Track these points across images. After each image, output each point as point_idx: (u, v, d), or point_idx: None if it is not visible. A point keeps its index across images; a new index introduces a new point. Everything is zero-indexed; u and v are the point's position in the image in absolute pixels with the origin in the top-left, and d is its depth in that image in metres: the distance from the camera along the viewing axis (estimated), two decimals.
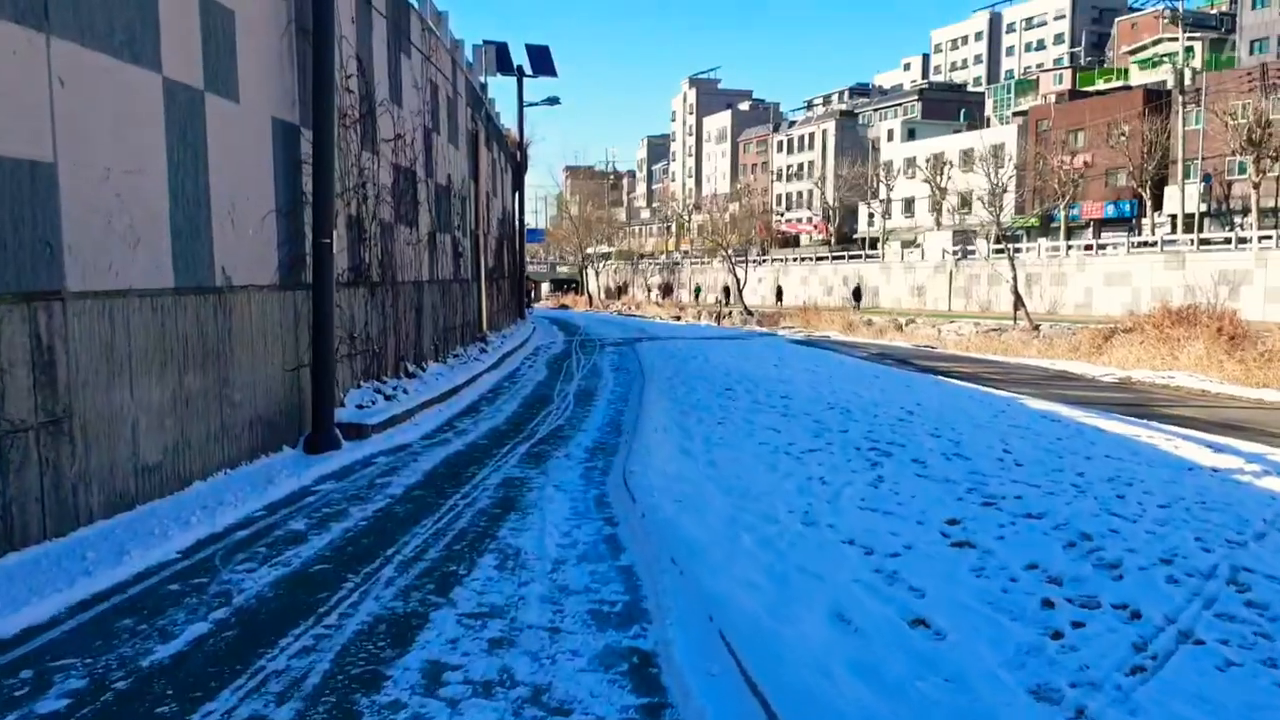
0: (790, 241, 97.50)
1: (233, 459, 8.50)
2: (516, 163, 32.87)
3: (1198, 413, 15.49)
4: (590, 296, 78.08)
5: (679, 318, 53.82)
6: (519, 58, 32.40)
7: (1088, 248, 55.80)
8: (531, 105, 34.05)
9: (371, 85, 12.33)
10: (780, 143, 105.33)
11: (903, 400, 13.27)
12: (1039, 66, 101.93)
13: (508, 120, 34.35)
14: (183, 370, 7.67)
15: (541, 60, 31.81)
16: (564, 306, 73.61)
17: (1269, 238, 44.90)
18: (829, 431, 10.43)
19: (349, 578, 5.79)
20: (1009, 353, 29.84)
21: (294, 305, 9.75)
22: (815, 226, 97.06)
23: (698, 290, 79.36)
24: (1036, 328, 38.30)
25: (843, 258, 74.17)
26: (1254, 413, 15.80)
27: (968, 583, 5.19)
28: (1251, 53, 66.66)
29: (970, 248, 65.74)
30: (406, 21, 14.35)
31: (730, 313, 54.71)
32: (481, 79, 24.42)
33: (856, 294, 60.58)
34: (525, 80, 32.82)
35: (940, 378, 18.12)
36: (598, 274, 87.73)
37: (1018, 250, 50.27)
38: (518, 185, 33.62)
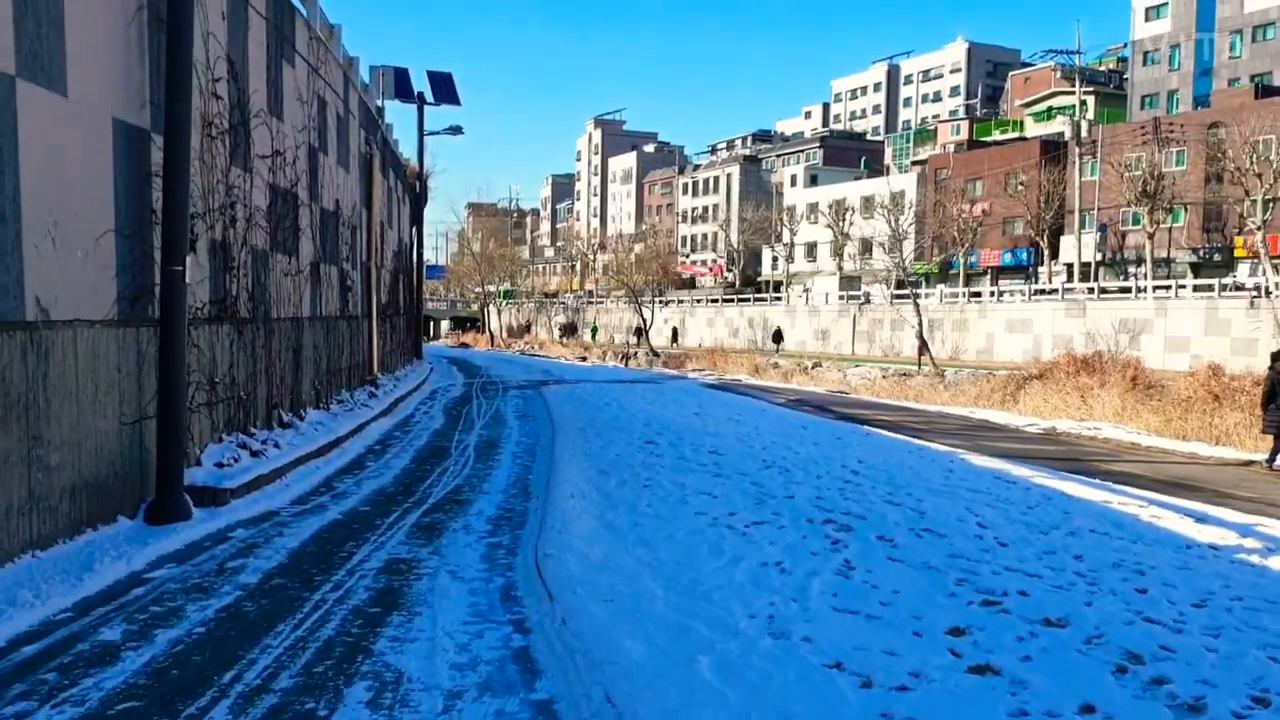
0: (687, 284, 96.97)
1: (45, 537, 6.77)
2: (415, 194, 31.18)
3: (1139, 468, 14.69)
4: (492, 335, 76.03)
5: (585, 359, 52.39)
6: (420, 84, 30.88)
7: (975, 295, 56.33)
8: (432, 134, 32.51)
9: (245, 92, 10.73)
10: (685, 185, 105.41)
11: (841, 457, 12.06)
12: (935, 117, 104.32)
13: (407, 151, 32.74)
14: None
15: (444, 88, 30.29)
16: (464, 345, 71.45)
17: (1167, 287, 45.75)
18: (772, 498, 9.08)
19: None
20: (920, 399, 29.18)
21: (137, 345, 8.06)
22: (711, 270, 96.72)
23: (594, 330, 78.32)
24: (941, 374, 38.03)
25: (748, 300, 73.96)
26: (1193, 468, 15.07)
27: None
28: (1142, 107, 68.92)
29: (856, 293, 66.94)
30: (291, 28, 12.77)
31: (636, 354, 53.52)
32: (378, 102, 22.83)
33: (777, 337, 59.96)
34: (426, 109, 31.28)
35: (867, 428, 17.05)
36: (500, 312, 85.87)
37: (919, 296, 50.33)
38: (416, 218, 31.92)
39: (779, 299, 73.27)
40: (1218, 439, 19.73)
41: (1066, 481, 11.23)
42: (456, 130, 32.98)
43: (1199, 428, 20.64)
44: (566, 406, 18.54)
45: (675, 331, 68.64)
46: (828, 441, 13.80)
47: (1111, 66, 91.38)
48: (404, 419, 16.57)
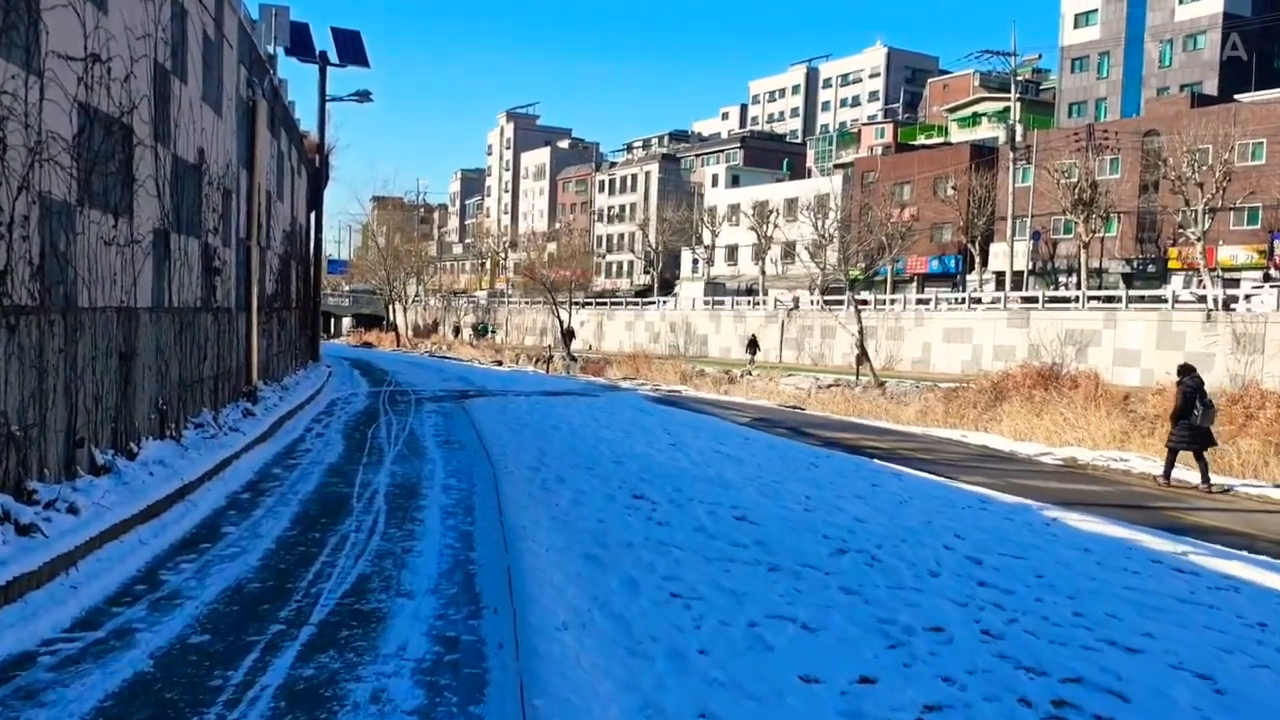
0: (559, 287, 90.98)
1: None
2: (315, 169, 26.86)
3: (1228, 520, 11.58)
4: (398, 334, 71.10)
5: (499, 362, 48.29)
6: (323, 43, 26.60)
7: (921, 301, 53.96)
8: (335, 100, 28.13)
9: None
10: (602, 183, 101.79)
11: (922, 527, 8.43)
12: (854, 121, 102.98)
13: (307, 123, 28.40)
14: None
15: (351, 47, 26.05)
16: (367, 345, 66.56)
17: (1116, 298, 43.82)
18: (907, 631, 5.34)
19: None
20: (880, 416, 26.11)
21: None
22: (574, 274, 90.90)
23: (485, 329, 74.40)
24: (882, 385, 35.18)
25: (670, 304, 70.76)
26: None
27: None
28: (1070, 115, 67.69)
29: (722, 299, 66.02)
30: None
31: (553, 358, 49.65)
32: (270, 49, 18.65)
33: (752, 345, 51.66)
34: (331, 72, 26.97)
35: (892, 466, 13.53)
36: (406, 310, 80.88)
37: (861, 304, 47.32)
38: (316, 198, 27.56)
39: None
40: (1254, 471, 17.12)
41: (1256, 569, 7.90)
42: (365, 96, 28.58)
43: (1217, 456, 17.95)
44: (501, 429, 14.65)
45: (570, 333, 64.08)
46: (870, 493, 10.24)
47: (1028, 76, 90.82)
48: (289, 446, 12.56)
